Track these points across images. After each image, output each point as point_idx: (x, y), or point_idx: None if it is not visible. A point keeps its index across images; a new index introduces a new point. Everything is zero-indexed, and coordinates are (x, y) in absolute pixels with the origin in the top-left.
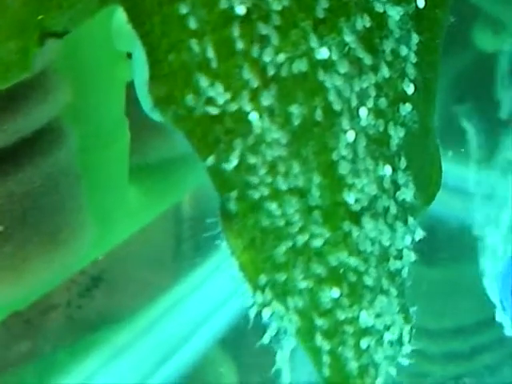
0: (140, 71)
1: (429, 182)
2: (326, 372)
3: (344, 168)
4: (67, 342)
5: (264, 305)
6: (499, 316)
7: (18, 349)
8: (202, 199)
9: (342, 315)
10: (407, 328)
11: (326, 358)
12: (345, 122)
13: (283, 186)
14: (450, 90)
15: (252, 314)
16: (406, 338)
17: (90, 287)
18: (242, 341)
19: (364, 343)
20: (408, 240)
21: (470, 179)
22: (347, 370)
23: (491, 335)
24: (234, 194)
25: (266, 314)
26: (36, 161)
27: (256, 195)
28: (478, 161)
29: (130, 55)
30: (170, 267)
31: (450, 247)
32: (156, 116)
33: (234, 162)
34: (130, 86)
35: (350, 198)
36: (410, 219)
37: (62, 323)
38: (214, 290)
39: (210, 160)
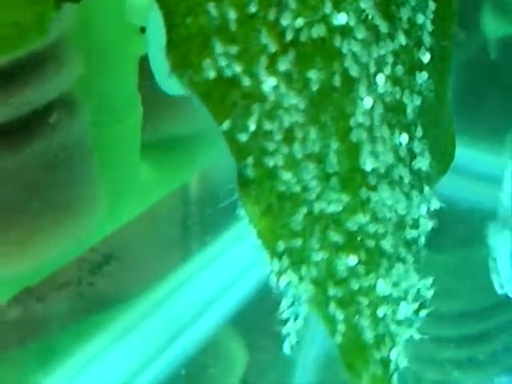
0: (154, 42)
1: (443, 153)
2: (341, 341)
3: (361, 134)
4: (78, 319)
5: (280, 273)
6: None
7: (29, 325)
8: (212, 179)
9: (357, 284)
10: (423, 298)
11: (341, 327)
12: (362, 89)
13: (300, 152)
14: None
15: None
16: (422, 308)
17: (101, 264)
18: (252, 320)
19: (381, 312)
20: (424, 209)
21: (480, 161)
22: (363, 339)
23: (502, 316)
24: (250, 160)
25: (282, 282)
26: (48, 133)
27: (273, 161)
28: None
29: (143, 29)
30: (180, 246)
31: (460, 230)
32: (169, 89)
33: (251, 127)
34: (143, 62)
35: (367, 165)
36: (426, 188)
37: (74, 300)
38: (224, 269)
39: (227, 125)
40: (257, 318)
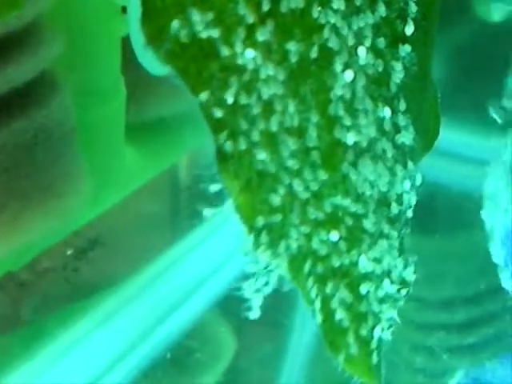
0: (135, 20)
1: (427, 128)
2: (322, 319)
3: (342, 108)
4: (63, 304)
5: (259, 248)
6: (505, 280)
7: (13, 312)
8: (200, 161)
9: (339, 260)
10: (408, 275)
11: (322, 305)
12: (343, 61)
13: (279, 126)
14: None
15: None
16: (406, 285)
17: (87, 250)
18: (240, 304)
19: (363, 289)
20: (407, 184)
21: (471, 145)
22: (344, 317)
23: (493, 301)
24: (228, 134)
25: (262, 257)
26: (28, 112)
27: (251, 136)
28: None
29: (125, 9)
30: (168, 230)
31: (450, 214)
32: (152, 68)
33: (228, 100)
34: (126, 44)
35: (348, 139)
36: (410, 163)
37: (59, 286)
38: (211, 253)
39: (204, 98)
40: (245, 302)
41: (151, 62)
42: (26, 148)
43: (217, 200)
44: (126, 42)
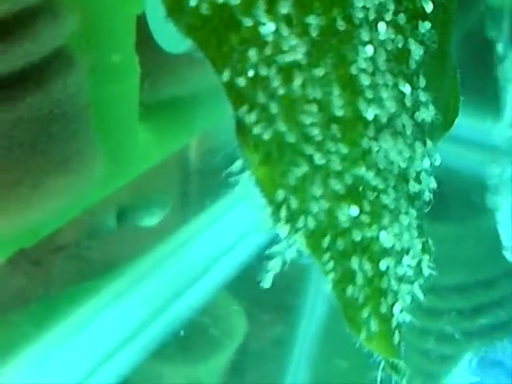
0: None
1: (447, 107)
2: (342, 295)
3: (363, 82)
4: (77, 282)
5: (279, 222)
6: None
7: (26, 289)
8: (212, 142)
9: (360, 235)
10: (426, 255)
11: (343, 280)
12: (363, 35)
13: (301, 98)
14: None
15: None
16: (424, 265)
17: (100, 229)
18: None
19: (383, 265)
20: (427, 163)
21: (482, 130)
22: (364, 292)
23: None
24: (248, 107)
25: (281, 232)
26: (44, 86)
27: (272, 108)
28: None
29: None
30: (179, 209)
31: (463, 199)
32: (169, 46)
33: (249, 73)
34: (141, 22)
35: (368, 113)
36: (429, 142)
37: (72, 264)
38: (223, 233)
39: (225, 71)
40: (256, 281)
41: (167, 40)
42: (41, 123)
43: (229, 181)
44: (141, 21)
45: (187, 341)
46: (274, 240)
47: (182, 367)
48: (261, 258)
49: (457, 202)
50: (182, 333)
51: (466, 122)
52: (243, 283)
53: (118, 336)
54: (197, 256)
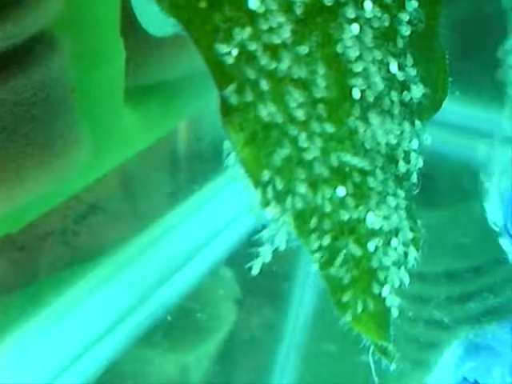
0: None
1: (435, 88)
2: (330, 277)
3: (349, 60)
4: (63, 268)
5: (265, 204)
6: (502, 241)
7: (12, 275)
8: (201, 128)
9: (347, 215)
10: (415, 237)
11: (331, 261)
12: (349, 13)
13: (286, 77)
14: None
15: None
16: (414, 247)
17: (87, 214)
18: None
19: (371, 246)
20: (415, 143)
21: (471, 116)
22: (353, 274)
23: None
24: (233, 86)
25: (268, 213)
26: (27, 69)
27: (257, 87)
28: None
29: None
30: (167, 195)
31: (452, 185)
32: (154, 29)
33: (233, 52)
34: (126, 7)
35: (355, 92)
36: (418, 122)
37: (58, 250)
38: (210, 218)
39: (209, 50)
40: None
41: (152, 23)
42: (24, 107)
43: (216, 165)
44: (125, 4)
45: (176, 327)
46: (263, 225)
47: (170, 354)
48: (249, 244)
49: (446, 187)
50: (168, 318)
51: (455, 107)
52: (231, 268)
53: (105, 322)
54: (184, 241)
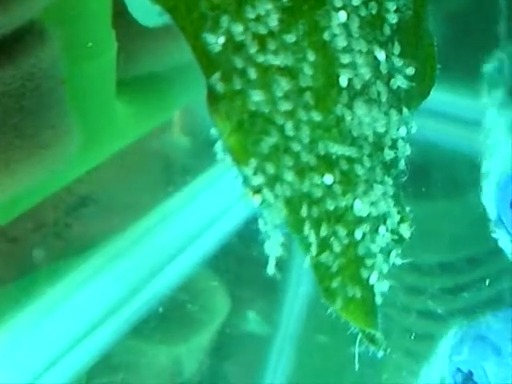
0: None
1: (423, 76)
2: (318, 264)
3: (336, 48)
4: (55, 260)
5: (253, 191)
6: (497, 231)
7: (3, 267)
8: (194, 119)
9: (334, 204)
10: (403, 224)
11: (317, 250)
12: (336, 1)
13: (273, 66)
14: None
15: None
16: (402, 234)
17: (79, 206)
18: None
19: (358, 234)
20: (403, 131)
21: (464, 106)
22: (340, 262)
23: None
24: (220, 74)
25: (255, 201)
26: (16, 60)
27: (244, 75)
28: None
29: None
30: (160, 186)
31: (445, 175)
32: (144, 19)
33: (220, 40)
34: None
35: (342, 80)
36: (405, 109)
37: (50, 242)
38: (203, 209)
39: (195, 38)
40: (237, 257)
41: (143, 13)
42: (13, 97)
43: (208, 157)
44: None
45: (168, 319)
46: (255, 216)
47: (162, 346)
48: (242, 234)
49: (440, 178)
50: (160, 310)
51: (447, 97)
52: (224, 259)
53: (97, 313)
54: (177, 233)
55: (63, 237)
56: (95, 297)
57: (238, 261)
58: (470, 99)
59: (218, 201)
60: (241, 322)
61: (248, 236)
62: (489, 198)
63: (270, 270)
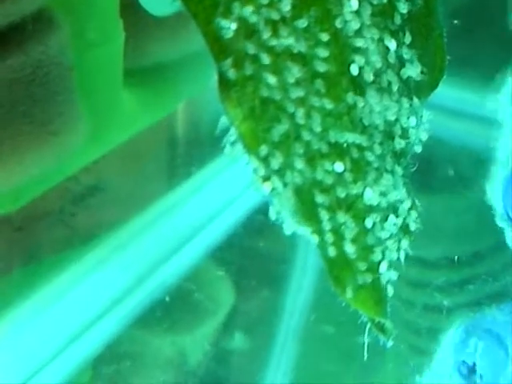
0: None
1: (433, 66)
2: (327, 253)
3: (348, 36)
4: (61, 249)
5: (264, 179)
6: (503, 224)
7: (9, 256)
8: (199, 108)
9: (344, 191)
10: (413, 213)
11: (327, 238)
12: None
13: (285, 52)
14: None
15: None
16: (411, 224)
17: (85, 196)
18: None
19: (369, 222)
20: (413, 120)
21: (471, 101)
22: (351, 250)
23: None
24: (232, 60)
25: (266, 189)
26: (26, 47)
27: (256, 62)
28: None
29: None
30: (165, 177)
31: (451, 170)
32: (153, 8)
33: (233, 25)
34: None
35: (353, 68)
36: (415, 99)
37: (56, 231)
38: (209, 200)
39: (207, 25)
40: (242, 248)
41: (152, 1)
42: (22, 84)
43: (214, 148)
44: None
45: (174, 309)
46: (260, 207)
47: (168, 336)
48: (247, 225)
49: (445, 172)
50: (167, 299)
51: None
52: (229, 251)
53: (103, 303)
54: (183, 222)
55: (69, 226)
56: (101, 286)
57: (243, 252)
58: (477, 94)
59: (223, 191)
60: (246, 313)
61: (253, 227)
62: (495, 192)
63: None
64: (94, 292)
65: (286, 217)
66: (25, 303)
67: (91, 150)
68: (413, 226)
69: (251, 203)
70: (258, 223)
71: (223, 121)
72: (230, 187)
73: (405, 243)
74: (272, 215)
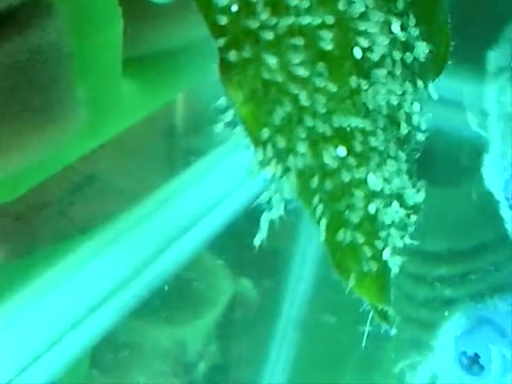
0: None
1: (437, 51)
2: (330, 238)
3: (352, 18)
4: (59, 238)
5: (264, 163)
6: (504, 212)
7: (7, 245)
8: (198, 98)
9: (348, 176)
10: (417, 200)
11: (331, 223)
12: None
13: (287, 34)
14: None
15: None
16: (415, 210)
17: (84, 185)
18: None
19: (372, 208)
20: (417, 106)
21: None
22: (353, 236)
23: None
24: (233, 42)
25: (266, 173)
26: (24, 32)
27: (257, 44)
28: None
29: None
30: (164, 166)
31: (451, 162)
32: None
33: (233, 8)
34: None
35: (357, 51)
36: (420, 83)
37: (54, 220)
38: (207, 190)
39: (208, 5)
40: (240, 238)
41: None
42: (20, 70)
43: (213, 138)
44: None
45: (173, 299)
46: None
47: (167, 326)
48: (247, 215)
49: (446, 164)
50: (166, 288)
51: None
52: (228, 241)
53: (102, 292)
54: (182, 212)
55: (68, 215)
56: (100, 276)
57: (242, 242)
58: (476, 85)
59: (222, 181)
60: (246, 303)
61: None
62: (494, 181)
63: (257, 241)
64: (93, 281)
65: (279, 203)
66: (23, 293)
67: (90, 139)
68: (416, 212)
69: (250, 193)
70: (258, 213)
71: (221, 102)
72: (229, 177)
73: (409, 229)
74: (264, 199)
